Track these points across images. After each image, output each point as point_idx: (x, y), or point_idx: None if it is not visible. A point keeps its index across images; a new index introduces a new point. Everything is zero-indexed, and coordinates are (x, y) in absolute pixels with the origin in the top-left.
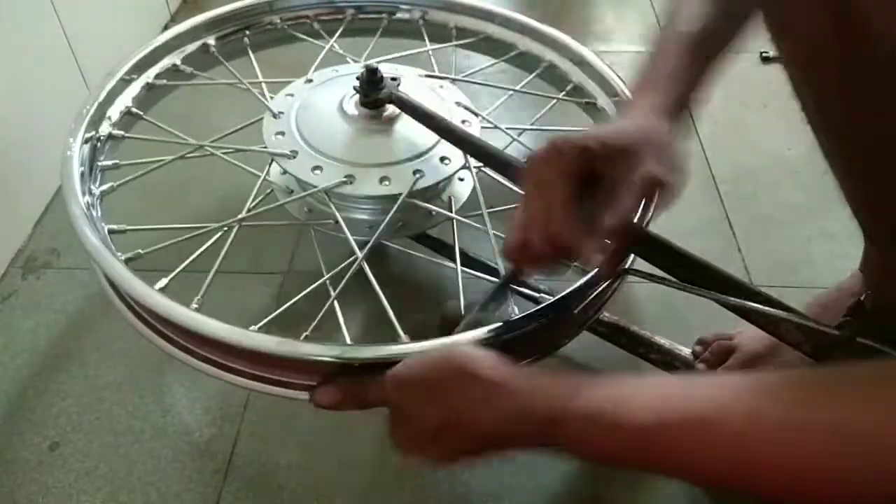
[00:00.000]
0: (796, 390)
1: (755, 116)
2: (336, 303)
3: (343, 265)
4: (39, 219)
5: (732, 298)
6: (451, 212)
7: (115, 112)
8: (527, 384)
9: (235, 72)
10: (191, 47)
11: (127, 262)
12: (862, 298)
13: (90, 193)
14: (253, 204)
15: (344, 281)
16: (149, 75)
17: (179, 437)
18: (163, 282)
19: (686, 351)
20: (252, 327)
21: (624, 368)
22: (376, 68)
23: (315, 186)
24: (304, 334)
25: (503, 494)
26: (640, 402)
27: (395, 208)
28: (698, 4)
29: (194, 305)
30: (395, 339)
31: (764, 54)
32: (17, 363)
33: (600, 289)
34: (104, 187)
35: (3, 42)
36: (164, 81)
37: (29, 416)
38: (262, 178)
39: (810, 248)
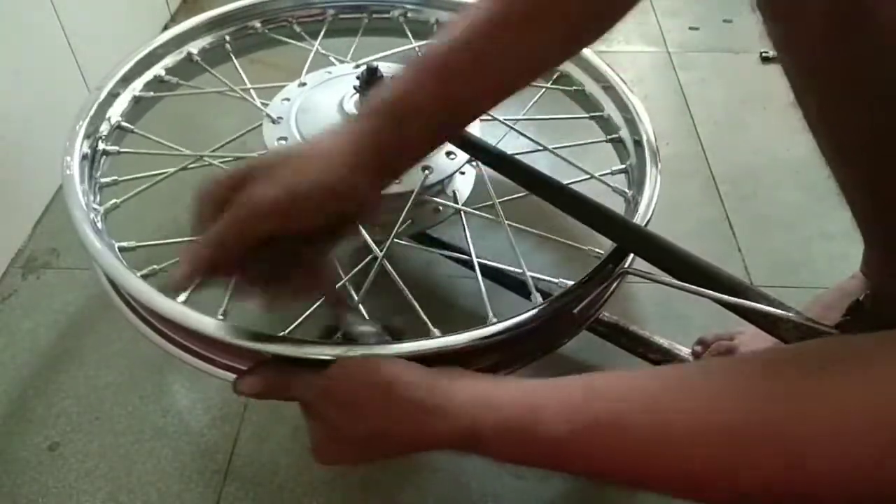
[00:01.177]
0: (700, 388)
1: (755, 116)
2: (361, 307)
3: (359, 267)
4: (39, 219)
5: (731, 298)
6: (458, 205)
7: (105, 128)
8: (444, 401)
9: (225, 80)
10: (174, 57)
11: (144, 278)
12: (861, 298)
13: (94, 211)
14: None
15: (369, 281)
16: (135, 88)
17: (179, 437)
18: (182, 297)
19: (686, 351)
20: (282, 333)
21: (620, 369)
22: (376, 68)
23: None
24: (336, 336)
25: (503, 494)
26: (550, 412)
27: (408, 205)
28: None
29: (220, 316)
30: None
31: (764, 54)
32: (17, 363)
33: (600, 288)
34: (108, 205)
35: (3, 42)
36: (152, 93)
37: (29, 416)
38: None
39: (810, 248)
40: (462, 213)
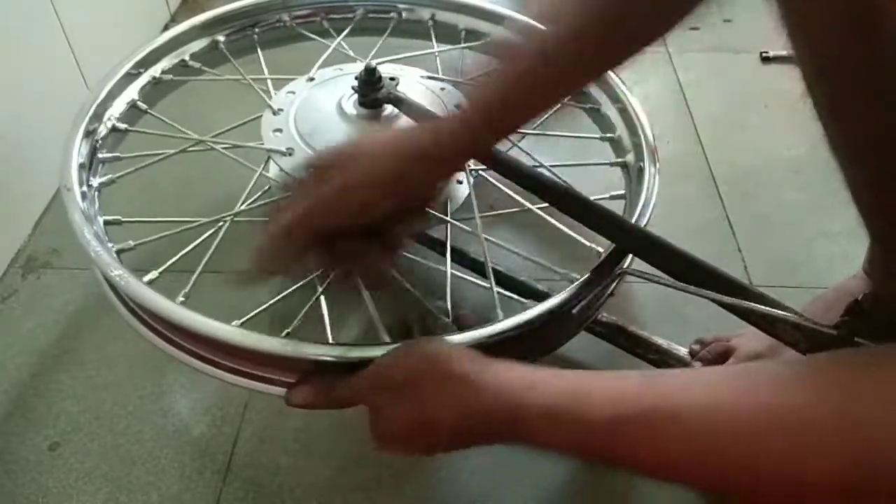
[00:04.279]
0: (764, 380)
1: (755, 116)
2: (323, 300)
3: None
4: (39, 219)
5: (730, 298)
6: (448, 214)
7: (119, 105)
8: (491, 383)
9: (242, 69)
10: (200, 43)
11: (119, 252)
12: (859, 298)
13: (88, 185)
14: (250, 200)
15: (329, 278)
16: (155, 70)
17: (179, 437)
18: (153, 274)
19: (683, 351)
20: (235, 322)
21: (621, 369)
22: (375, 68)
23: None
24: (286, 331)
25: (503, 494)
26: (597, 400)
27: None
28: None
29: (180, 298)
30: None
31: (764, 54)
32: (17, 363)
33: (598, 289)
34: (103, 179)
35: (3, 42)
36: (171, 76)
37: (29, 416)
38: (257, 173)
39: (810, 248)
40: (448, 224)
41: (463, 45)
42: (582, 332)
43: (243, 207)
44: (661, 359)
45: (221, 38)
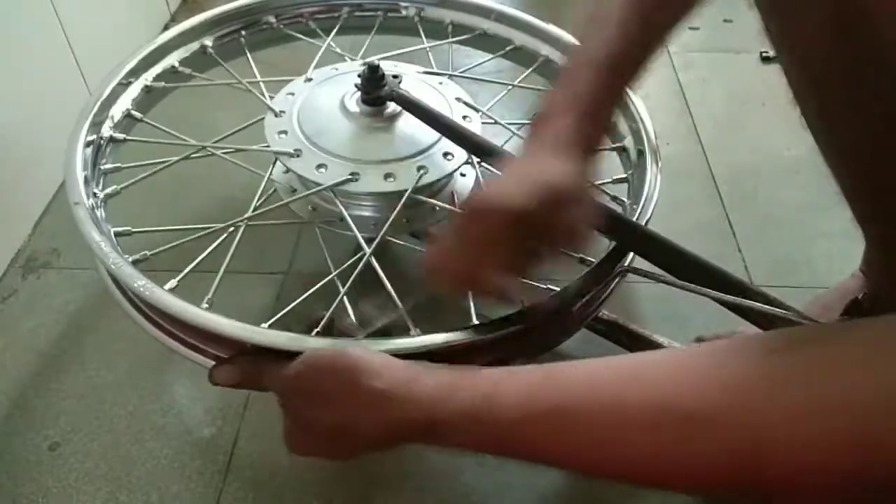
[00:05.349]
0: (660, 374)
1: (755, 116)
2: (346, 299)
3: (349, 262)
4: (39, 219)
5: (731, 297)
6: (455, 207)
7: (114, 115)
8: (406, 391)
9: (234, 72)
10: (188, 49)
11: (134, 263)
12: (859, 298)
13: (94, 196)
14: (258, 203)
15: (353, 277)
16: (146, 78)
17: (179, 437)
18: (172, 283)
19: None
20: (263, 325)
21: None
22: (377, 66)
23: (320, 184)
24: (315, 331)
25: (503, 494)
26: (506, 401)
27: (400, 204)
28: (611, 26)
29: (205, 305)
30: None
31: (764, 54)
32: (17, 363)
33: (599, 286)
34: (108, 190)
35: (3, 43)
36: (163, 83)
37: (29, 416)
38: (266, 177)
39: (810, 248)
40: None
41: (451, 39)
42: (582, 330)
43: (255, 212)
44: None
45: (209, 42)
